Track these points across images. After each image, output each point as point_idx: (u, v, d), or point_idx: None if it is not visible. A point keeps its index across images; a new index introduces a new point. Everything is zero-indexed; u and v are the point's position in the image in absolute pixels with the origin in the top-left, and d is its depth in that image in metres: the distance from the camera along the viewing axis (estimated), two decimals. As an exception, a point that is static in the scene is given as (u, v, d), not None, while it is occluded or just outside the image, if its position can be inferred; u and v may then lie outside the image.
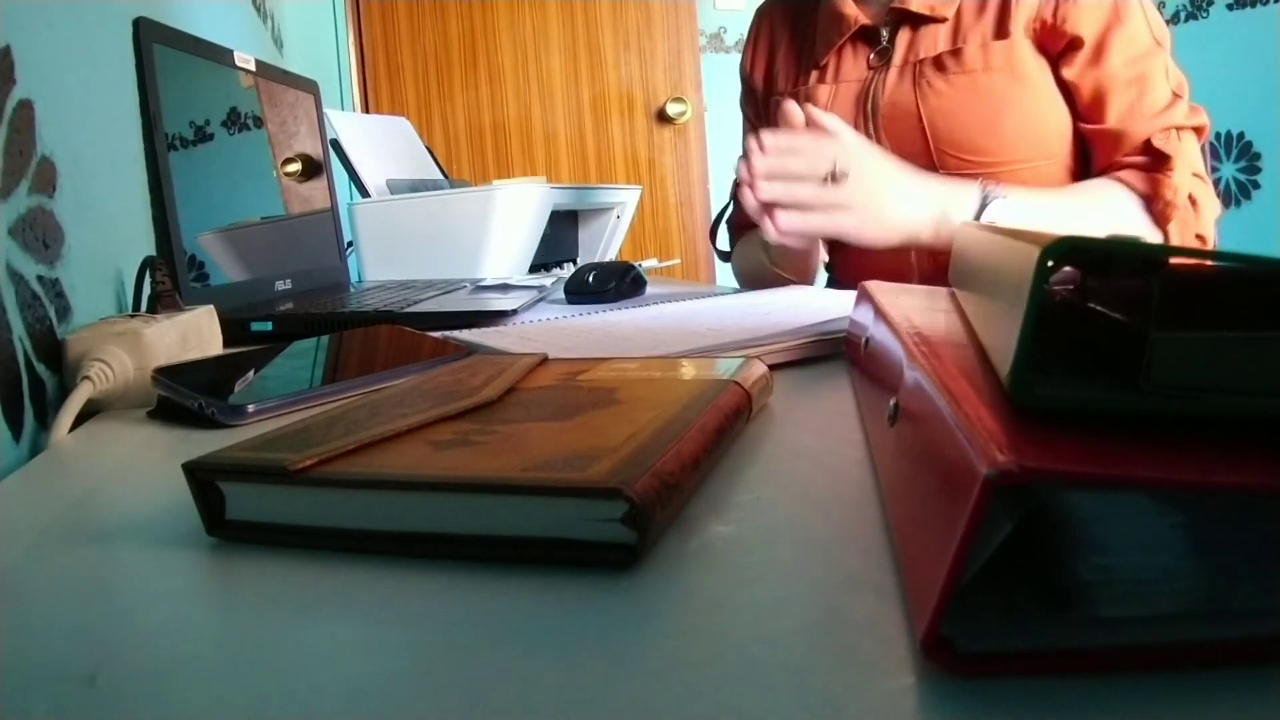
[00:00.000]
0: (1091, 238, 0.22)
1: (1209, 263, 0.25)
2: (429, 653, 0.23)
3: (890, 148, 0.92)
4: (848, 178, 0.82)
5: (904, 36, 0.99)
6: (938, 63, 0.96)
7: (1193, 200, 0.90)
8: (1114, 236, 0.25)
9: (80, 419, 0.51)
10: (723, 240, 1.20)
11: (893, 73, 0.98)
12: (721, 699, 0.20)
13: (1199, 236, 0.92)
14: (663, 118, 2.86)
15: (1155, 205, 0.90)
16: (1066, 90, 0.95)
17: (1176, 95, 0.92)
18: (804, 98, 1.03)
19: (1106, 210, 0.91)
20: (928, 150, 0.96)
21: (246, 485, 0.31)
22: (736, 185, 1.19)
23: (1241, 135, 2.29)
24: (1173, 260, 0.23)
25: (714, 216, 1.23)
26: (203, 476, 0.31)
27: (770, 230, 0.83)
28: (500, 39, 2.72)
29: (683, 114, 2.86)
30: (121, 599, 0.28)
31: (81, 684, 0.22)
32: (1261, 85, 2.20)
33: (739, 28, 3.13)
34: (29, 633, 0.25)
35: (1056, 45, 0.93)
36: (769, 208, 0.83)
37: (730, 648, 0.22)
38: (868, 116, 0.99)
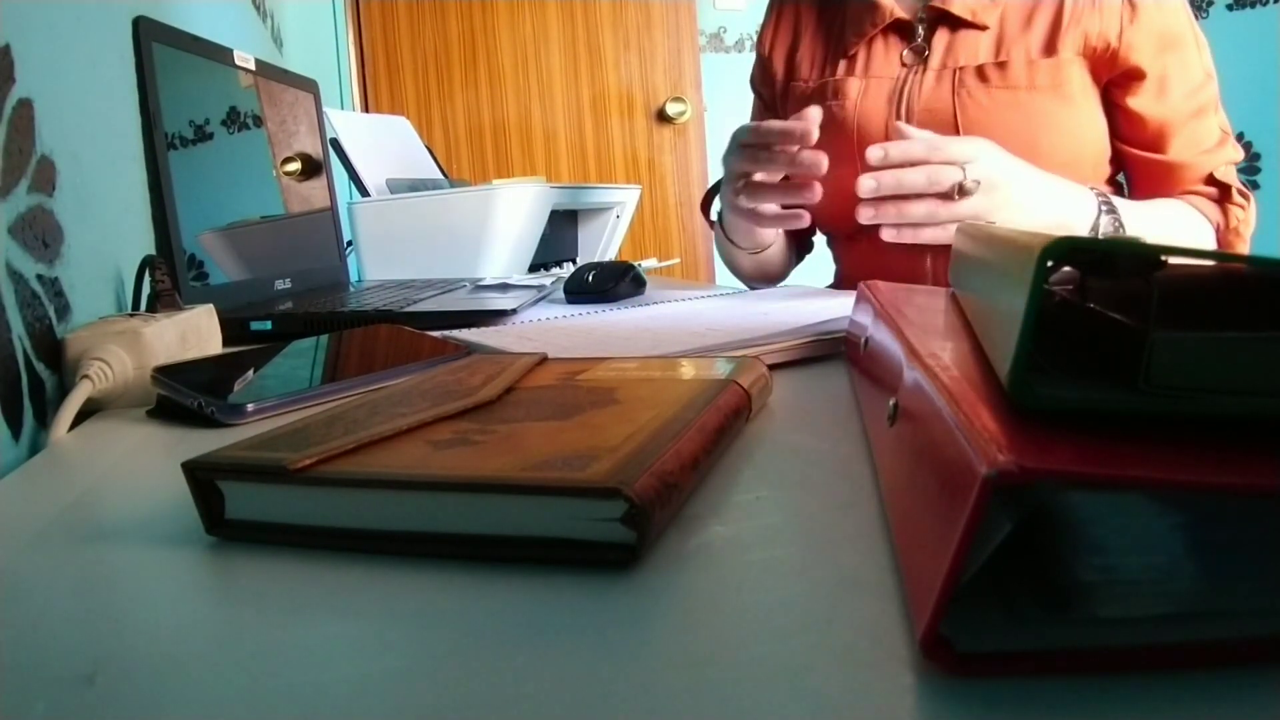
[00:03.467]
0: (1089, 238, 0.22)
1: (1209, 263, 0.25)
2: (428, 652, 0.23)
3: None
4: (979, 188, 0.77)
5: (941, 38, 0.95)
6: (980, 73, 0.92)
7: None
8: (1113, 236, 0.25)
9: (79, 418, 0.51)
10: (715, 210, 1.17)
11: (930, 76, 0.95)
12: (721, 699, 0.20)
13: None
14: (662, 117, 2.86)
15: (1225, 235, 0.94)
16: (1111, 115, 0.94)
17: (1225, 133, 0.94)
18: (833, 90, 1.00)
19: (1193, 232, 0.93)
20: None
21: (246, 484, 0.31)
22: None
23: (1241, 135, 2.29)
24: (1172, 260, 0.23)
25: (708, 187, 1.20)
26: (202, 475, 0.31)
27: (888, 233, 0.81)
28: (500, 39, 2.72)
29: (682, 114, 2.86)
30: (120, 598, 0.28)
31: (80, 683, 0.22)
32: (1261, 85, 2.20)
33: (739, 27, 3.13)
34: (28, 631, 0.25)
35: (1112, 71, 0.91)
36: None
37: (730, 647, 0.22)
38: (900, 118, 0.95)
